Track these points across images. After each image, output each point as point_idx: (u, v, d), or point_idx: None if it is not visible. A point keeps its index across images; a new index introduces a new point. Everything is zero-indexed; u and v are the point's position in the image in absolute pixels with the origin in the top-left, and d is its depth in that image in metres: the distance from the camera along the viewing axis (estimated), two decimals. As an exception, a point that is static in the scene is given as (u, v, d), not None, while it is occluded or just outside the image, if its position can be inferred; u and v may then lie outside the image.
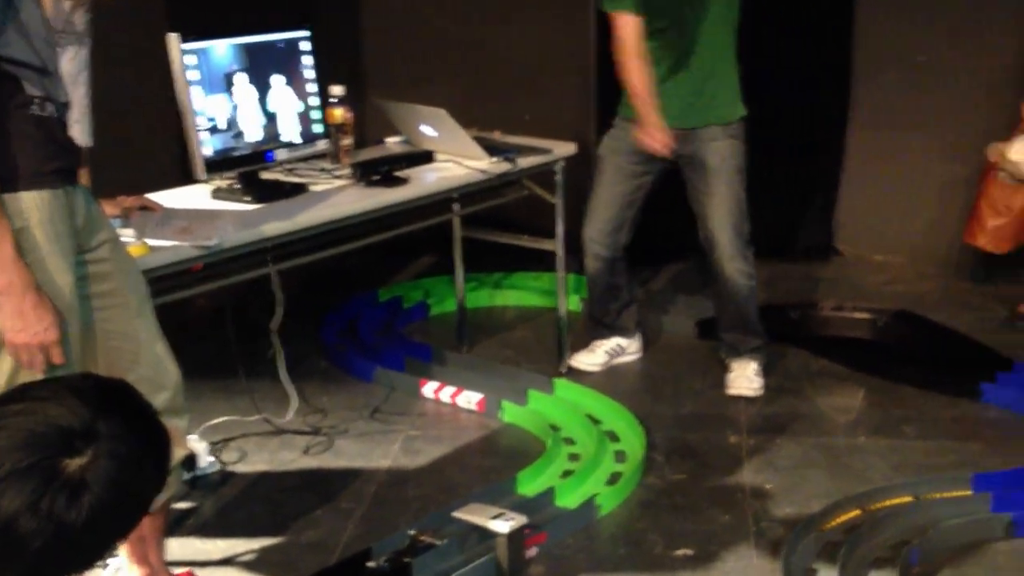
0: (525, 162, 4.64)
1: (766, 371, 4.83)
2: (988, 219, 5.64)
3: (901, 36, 6.15)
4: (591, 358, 5.02)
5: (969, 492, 3.88)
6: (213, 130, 3.85)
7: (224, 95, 3.89)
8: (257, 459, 4.25)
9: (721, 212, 4.62)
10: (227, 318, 4.19)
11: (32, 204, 2.61)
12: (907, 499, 3.86)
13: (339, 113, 4.33)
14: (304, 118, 4.20)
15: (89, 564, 1.71)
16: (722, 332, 4.87)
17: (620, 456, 4.21)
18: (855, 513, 3.77)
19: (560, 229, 4.89)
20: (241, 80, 3.94)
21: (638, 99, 4.50)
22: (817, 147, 6.41)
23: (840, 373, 5.00)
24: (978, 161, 5.70)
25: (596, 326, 5.06)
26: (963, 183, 5.94)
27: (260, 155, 4.04)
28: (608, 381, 4.87)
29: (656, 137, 4.51)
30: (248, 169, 4.02)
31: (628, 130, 4.64)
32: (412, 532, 3.48)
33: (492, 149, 4.57)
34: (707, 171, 4.60)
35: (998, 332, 5.41)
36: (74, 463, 1.61)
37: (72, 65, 3.31)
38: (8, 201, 2.57)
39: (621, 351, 5.06)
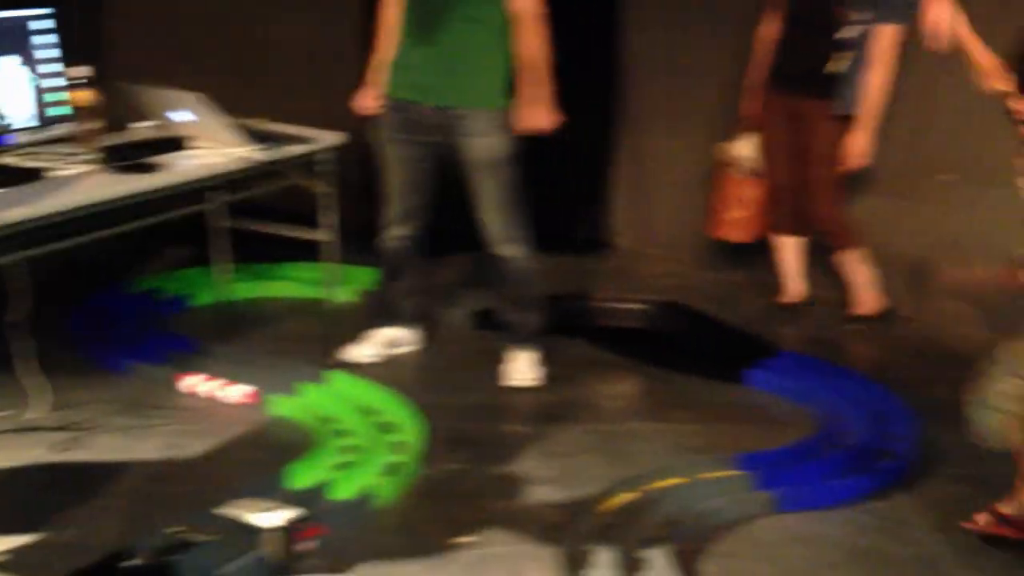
0: (289, 151, 4.57)
1: (545, 361, 4.85)
2: (726, 212, 5.87)
3: (666, 40, 6.29)
4: (365, 349, 4.93)
5: (734, 472, 4.04)
6: None
7: None
8: (3, 457, 4.01)
9: (493, 201, 4.61)
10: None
11: None
12: (677, 480, 3.98)
13: (84, 95, 4.18)
14: (43, 100, 4.04)
15: None
16: (503, 317, 4.88)
17: (398, 447, 4.14)
18: (630, 495, 3.86)
19: (329, 219, 4.83)
20: None
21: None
22: (593, 146, 6.53)
23: (615, 362, 5.10)
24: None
25: (382, 314, 4.99)
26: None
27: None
28: (387, 372, 4.80)
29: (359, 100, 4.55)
30: None
31: (397, 115, 4.59)
32: (174, 530, 3.31)
33: (256, 137, 4.48)
34: (475, 162, 4.57)
35: (761, 320, 5.64)
36: None
37: None
38: None
39: (399, 342, 5.00)
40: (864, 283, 5.65)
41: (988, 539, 3.70)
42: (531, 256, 4.72)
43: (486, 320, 5.24)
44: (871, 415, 4.52)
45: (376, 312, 5.04)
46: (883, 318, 5.60)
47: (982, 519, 3.73)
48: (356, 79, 4.84)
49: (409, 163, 4.67)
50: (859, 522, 3.86)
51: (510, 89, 4.55)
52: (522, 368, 4.78)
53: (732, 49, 5.92)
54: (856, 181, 5.62)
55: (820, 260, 5.82)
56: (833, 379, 4.89)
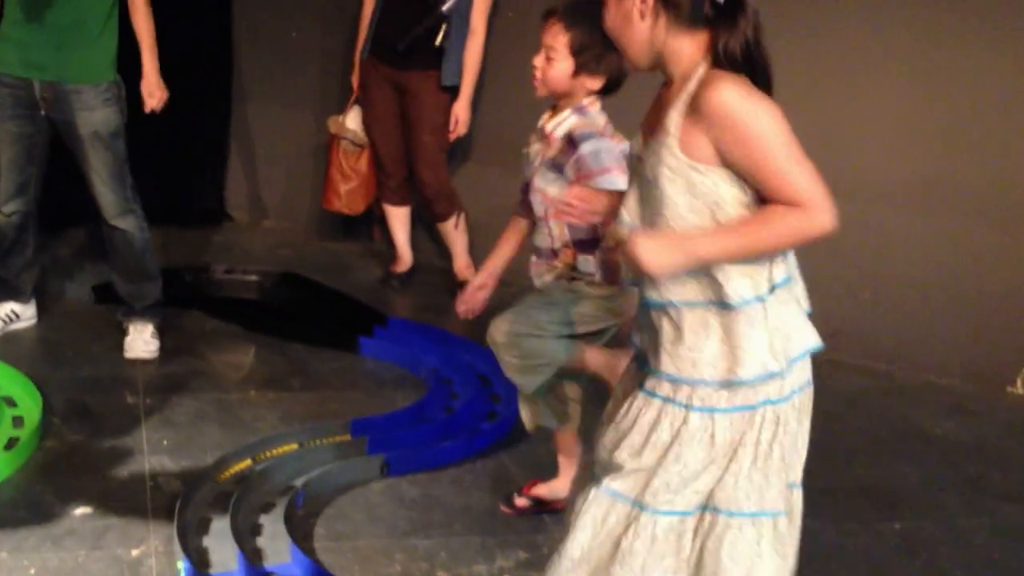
0: None
1: (163, 333, 4.93)
2: (340, 184, 6.01)
3: (277, 14, 6.43)
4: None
5: (348, 437, 4.20)
6: None
7: None
8: None
9: (101, 176, 4.63)
10: None
11: None
12: (293, 447, 4.12)
13: None
14: None
15: None
16: (120, 291, 4.89)
17: (18, 421, 4.18)
18: (247, 463, 3.98)
19: None
20: None
21: None
22: (205, 117, 6.55)
23: (233, 332, 5.22)
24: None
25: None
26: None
27: None
28: (4, 347, 4.79)
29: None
30: None
31: (3, 91, 4.58)
32: None
33: None
34: (83, 139, 4.58)
35: (374, 290, 5.86)
36: None
37: None
38: None
39: (16, 317, 5.00)
40: (464, 249, 5.91)
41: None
42: (144, 228, 4.76)
43: (105, 293, 5.23)
44: (477, 378, 4.74)
45: None
46: None
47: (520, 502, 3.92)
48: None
49: (22, 139, 4.64)
50: (466, 482, 4.06)
51: (116, 63, 4.61)
52: (142, 340, 4.84)
53: (339, 22, 6.07)
54: (455, 149, 5.87)
55: (428, 227, 6.05)
56: (441, 344, 5.07)
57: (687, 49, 2.36)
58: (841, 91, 5.38)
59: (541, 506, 3.91)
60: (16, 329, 5.00)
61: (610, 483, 2.51)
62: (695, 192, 2.32)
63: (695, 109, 2.29)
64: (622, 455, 2.49)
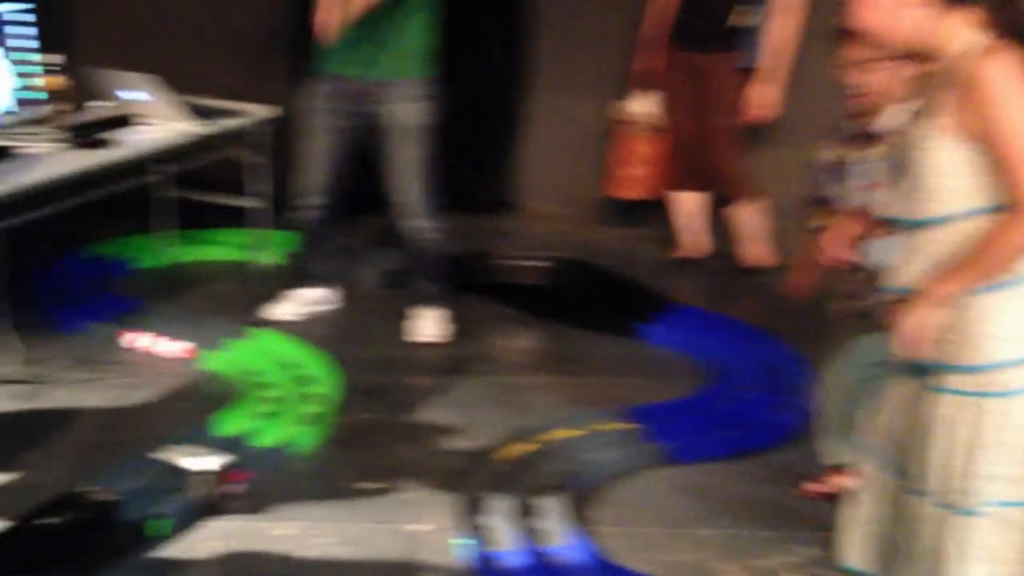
0: (227, 124, 4.85)
1: (449, 318, 5.08)
2: (622, 170, 6.02)
3: (574, 2, 6.41)
4: (290, 308, 5.16)
5: (629, 424, 4.20)
6: None
7: None
8: None
9: (406, 172, 4.82)
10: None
11: None
12: (573, 432, 4.15)
13: (55, 80, 4.47)
14: (23, 85, 4.34)
15: None
16: (409, 282, 5.07)
17: (315, 398, 4.41)
18: (526, 445, 4.06)
19: (263, 187, 5.08)
20: None
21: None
22: (497, 108, 6.63)
23: (515, 317, 5.33)
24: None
25: (302, 276, 5.20)
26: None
27: None
28: (306, 329, 5.04)
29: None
30: None
31: (326, 86, 4.80)
32: (80, 491, 3.61)
33: (198, 112, 4.76)
34: (394, 132, 4.76)
35: (659, 276, 5.80)
36: None
37: None
38: None
39: (321, 301, 5.23)
40: (758, 236, 5.77)
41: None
42: (438, 225, 4.90)
43: (395, 278, 5.39)
44: (763, 368, 4.65)
45: (296, 274, 5.26)
46: (776, 271, 5.61)
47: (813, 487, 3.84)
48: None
49: (333, 134, 4.85)
50: (747, 473, 3.99)
51: (432, 60, 4.76)
52: (428, 325, 5.01)
53: (629, 7, 6.00)
54: (754, 133, 5.68)
55: (714, 213, 5.93)
56: (726, 332, 5.02)
57: (956, 27, 2.38)
58: None
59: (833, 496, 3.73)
60: (317, 312, 5.26)
61: (941, 496, 2.53)
62: (957, 168, 2.35)
63: (960, 85, 2.32)
64: (937, 462, 2.51)
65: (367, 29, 4.64)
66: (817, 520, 3.65)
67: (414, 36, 4.72)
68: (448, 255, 5.08)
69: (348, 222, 5.42)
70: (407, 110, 4.76)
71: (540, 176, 6.78)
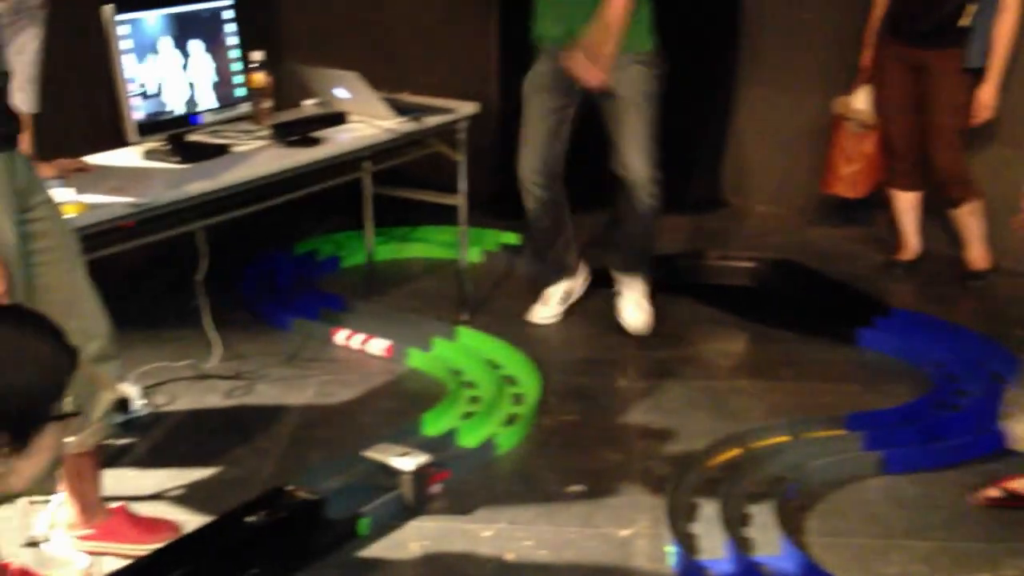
0: (430, 121, 4.83)
1: (656, 319, 5.02)
2: (842, 167, 5.85)
3: None
4: (547, 311, 5.15)
5: (843, 431, 4.09)
6: (144, 95, 4.05)
7: (154, 62, 4.08)
8: (184, 402, 4.44)
9: (634, 140, 4.75)
10: (157, 272, 4.39)
11: None
12: (785, 438, 4.06)
13: (259, 77, 4.54)
14: (227, 83, 4.39)
15: None
16: (618, 252, 5.03)
17: (518, 399, 4.40)
18: (736, 451, 3.97)
19: (463, 185, 5.06)
20: (169, 48, 4.14)
21: (615, 26, 4.57)
22: (706, 104, 6.52)
23: (724, 320, 5.20)
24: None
25: (543, 269, 5.17)
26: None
27: (187, 118, 4.25)
28: (509, 327, 5.03)
29: (592, 73, 4.62)
30: (176, 132, 4.22)
31: (546, 63, 4.77)
32: (288, 488, 3.65)
33: (400, 109, 4.75)
34: (618, 100, 4.70)
35: (876, 278, 5.64)
36: None
37: (18, 36, 3.50)
38: None
39: (571, 294, 5.20)
40: (978, 238, 5.59)
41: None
42: (657, 201, 4.83)
43: (600, 278, 5.29)
44: (985, 375, 4.46)
45: (543, 262, 5.22)
46: (995, 273, 5.58)
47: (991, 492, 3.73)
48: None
49: (552, 114, 4.83)
50: (967, 484, 3.81)
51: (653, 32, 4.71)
52: (635, 304, 4.98)
53: (848, 1, 5.91)
54: (974, 132, 5.52)
55: (934, 214, 5.75)
56: (947, 337, 4.83)
57: None
58: None
59: (1016, 501, 3.70)
60: (572, 302, 5.26)
61: None
62: None
63: None
64: None
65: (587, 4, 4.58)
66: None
67: (634, 12, 4.62)
68: (669, 262, 5.03)
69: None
70: (627, 79, 4.70)
71: (752, 174, 6.68)
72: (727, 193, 6.76)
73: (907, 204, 5.75)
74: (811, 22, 6.25)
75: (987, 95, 5.35)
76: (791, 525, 3.57)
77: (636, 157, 4.77)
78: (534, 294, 5.29)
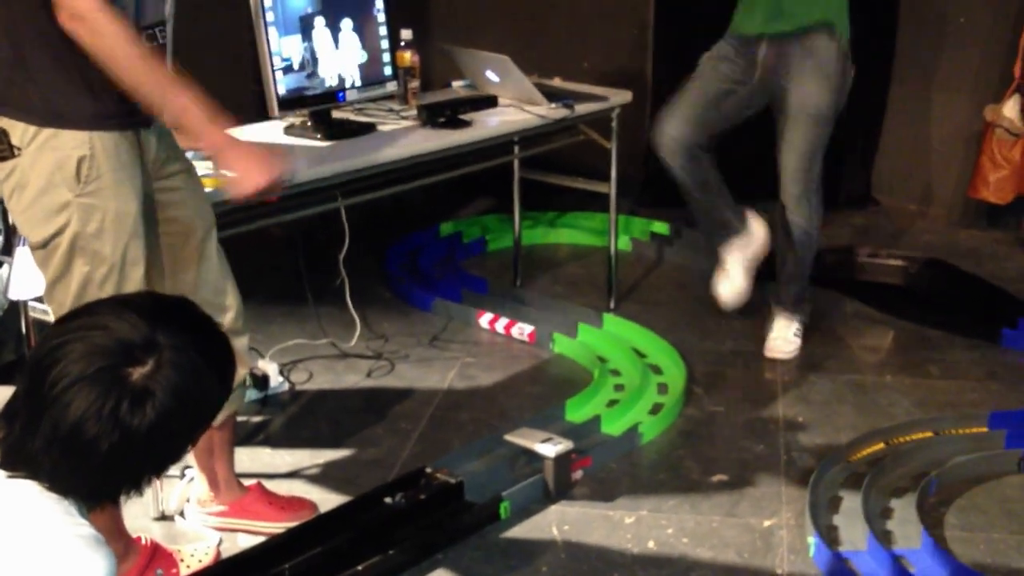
0: (582, 109, 4.78)
1: (804, 331, 4.86)
2: (989, 173, 5.84)
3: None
4: (728, 286, 4.84)
5: (985, 429, 4.07)
6: (287, 70, 4.05)
7: (299, 37, 4.09)
8: (323, 380, 4.49)
9: (794, 154, 4.50)
10: (298, 249, 4.42)
11: (96, 138, 2.81)
12: (928, 434, 4.05)
13: (407, 56, 4.53)
14: (374, 60, 4.38)
15: (158, 469, 1.85)
16: (777, 272, 4.79)
17: (662, 388, 4.40)
18: (879, 446, 3.97)
19: (614, 173, 5.02)
20: (317, 23, 4.14)
21: None
22: (860, 102, 6.18)
23: (872, 316, 5.14)
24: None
25: (713, 235, 4.82)
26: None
27: (332, 95, 4.24)
28: (655, 316, 5.01)
29: None
30: (320, 108, 4.22)
31: (732, 45, 4.54)
32: (429, 470, 3.65)
33: (551, 95, 4.73)
34: (794, 108, 4.44)
35: (1021, 280, 5.57)
36: (137, 372, 1.72)
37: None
38: (72, 134, 2.78)
39: (754, 257, 4.82)
40: None
41: None
42: (815, 225, 4.60)
43: (760, 274, 5.07)
44: None
45: (710, 236, 4.87)
46: None
47: None
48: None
49: (724, 82, 4.54)
50: None
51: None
52: (781, 340, 4.73)
53: (1006, 8, 5.88)
54: None
55: None
56: None
57: None
58: None
59: None
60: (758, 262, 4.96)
61: None
62: None
63: None
64: None
65: None
66: None
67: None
68: (813, 266, 4.81)
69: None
70: (814, 83, 4.42)
71: (904, 173, 6.63)
72: (877, 190, 6.71)
73: None
74: (966, 26, 6.21)
75: None
76: (931, 519, 3.56)
77: (789, 176, 4.55)
78: (682, 283, 5.31)
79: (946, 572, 3.28)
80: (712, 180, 4.65)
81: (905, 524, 3.52)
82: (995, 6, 6.05)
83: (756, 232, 4.79)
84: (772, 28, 4.41)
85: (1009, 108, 5.72)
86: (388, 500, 3.54)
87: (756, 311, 4.99)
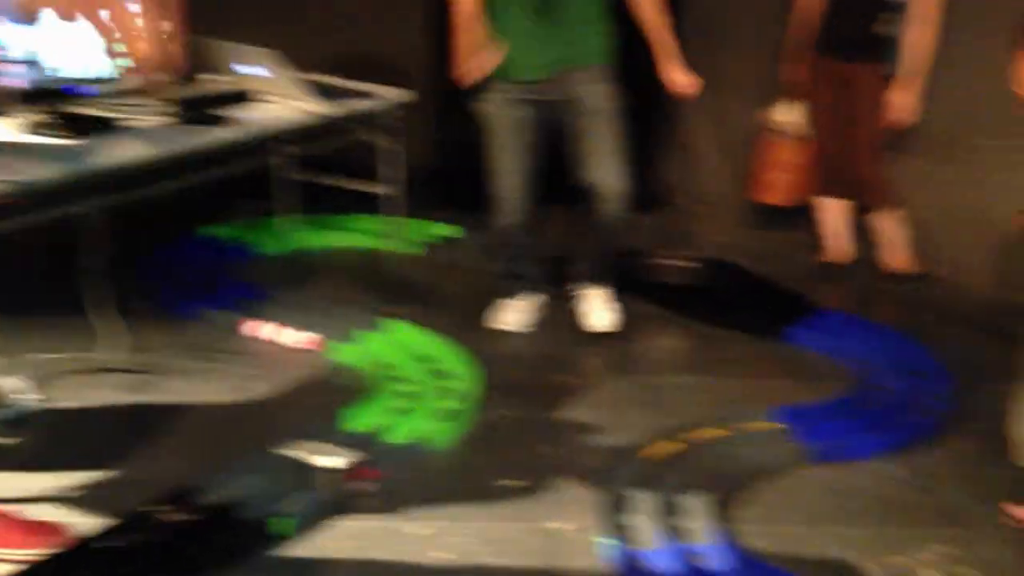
0: (356, 106, 4.66)
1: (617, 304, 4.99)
2: (771, 176, 5.99)
3: (719, 8, 6.40)
4: (512, 316, 5.00)
5: (773, 424, 4.18)
6: (27, 63, 3.82)
7: (35, 29, 3.85)
8: (82, 396, 4.19)
9: (602, 149, 4.68)
10: (51, 257, 4.16)
11: None
12: (717, 431, 4.11)
13: (161, 49, 4.32)
14: (119, 52, 4.18)
15: None
16: (583, 264, 4.96)
17: (453, 393, 4.28)
18: (670, 445, 3.99)
19: (391, 173, 4.91)
20: (51, 15, 3.92)
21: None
22: (654, 109, 6.51)
23: (664, 317, 5.20)
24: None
25: (515, 284, 5.03)
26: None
27: (76, 89, 4.03)
28: (444, 320, 4.91)
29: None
30: (63, 103, 3.98)
31: (503, 88, 4.62)
32: (195, 489, 3.48)
33: (326, 92, 4.59)
34: (586, 112, 4.63)
35: (804, 280, 5.72)
36: None
37: None
38: None
39: (537, 306, 5.09)
40: (900, 243, 5.75)
41: None
42: (628, 207, 4.74)
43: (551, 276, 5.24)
44: (905, 372, 4.63)
45: (509, 283, 5.04)
46: (918, 277, 5.69)
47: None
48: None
49: (522, 130, 4.67)
50: (888, 474, 3.94)
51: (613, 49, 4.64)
52: (602, 314, 4.91)
53: (781, 14, 5.91)
54: (897, 141, 5.65)
55: (857, 220, 5.90)
56: (870, 337, 4.99)
57: None
58: None
59: None
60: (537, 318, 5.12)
61: None
62: None
63: None
64: None
65: (558, 29, 4.51)
66: (956, 519, 3.68)
67: (601, 28, 4.61)
68: (625, 246, 4.96)
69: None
70: (597, 91, 4.64)
71: (689, 176, 6.78)
72: (667, 193, 6.82)
73: (833, 211, 5.91)
74: (744, 32, 6.37)
75: (897, 100, 5.48)
76: (722, 514, 3.62)
77: (609, 169, 4.70)
78: (472, 286, 5.30)
79: (736, 564, 3.34)
80: (532, 239, 4.94)
81: (697, 520, 3.55)
82: (772, 13, 6.10)
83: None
84: (558, 70, 4.59)
85: (781, 112, 5.86)
86: (151, 522, 3.36)
87: (547, 319, 5.03)
